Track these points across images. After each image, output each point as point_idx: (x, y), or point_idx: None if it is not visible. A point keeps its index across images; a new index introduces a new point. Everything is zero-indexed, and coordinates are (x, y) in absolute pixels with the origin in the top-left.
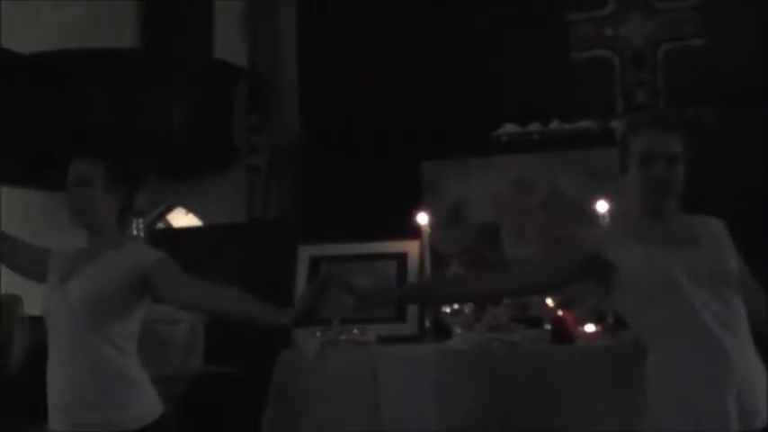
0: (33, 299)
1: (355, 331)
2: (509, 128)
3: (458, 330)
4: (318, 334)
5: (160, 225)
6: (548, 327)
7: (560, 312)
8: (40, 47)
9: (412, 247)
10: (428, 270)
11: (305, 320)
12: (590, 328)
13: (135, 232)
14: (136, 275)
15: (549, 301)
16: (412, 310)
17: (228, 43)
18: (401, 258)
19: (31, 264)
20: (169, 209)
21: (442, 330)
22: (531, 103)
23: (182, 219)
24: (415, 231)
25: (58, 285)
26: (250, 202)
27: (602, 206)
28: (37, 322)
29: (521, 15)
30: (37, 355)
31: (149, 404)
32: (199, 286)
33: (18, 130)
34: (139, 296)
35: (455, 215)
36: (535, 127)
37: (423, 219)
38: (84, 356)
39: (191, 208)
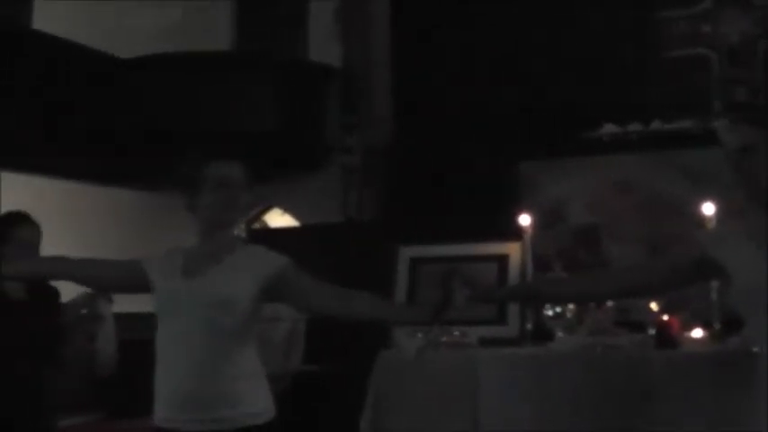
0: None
1: (456, 333)
2: (609, 128)
3: (559, 333)
4: (419, 335)
5: (256, 225)
6: (651, 331)
7: (665, 317)
8: (138, 51)
9: (513, 249)
10: (529, 272)
11: (440, 317)
12: (697, 333)
13: (236, 232)
14: (266, 279)
15: (653, 306)
16: (513, 313)
17: (322, 44)
18: (502, 260)
19: (128, 279)
20: (266, 209)
21: (542, 333)
22: (631, 103)
23: (278, 219)
24: (513, 232)
25: (183, 283)
26: (345, 203)
27: (708, 208)
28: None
29: (619, 15)
30: (127, 353)
31: (266, 403)
32: (329, 290)
33: (116, 131)
34: (265, 298)
35: (553, 216)
36: (635, 127)
37: (525, 220)
38: (210, 353)
39: (287, 208)
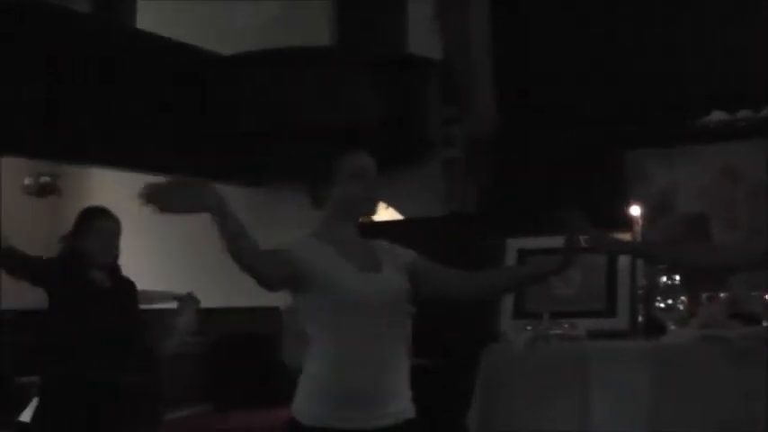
0: None
1: (566, 325)
2: (717, 115)
3: (671, 326)
4: (528, 328)
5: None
6: (766, 323)
7: None
8: (237, 48)
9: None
10: (639, 263)
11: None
12: None
13: None
14: (408, 272)
15: None
16: (623, 305)
17: (421, 35)
18: None
19: (285, 271)
20: None
21: (653, 326)
22: (741, 90)
23: (381, 212)
24: (622, 222)
25: (362, 278)
26: (448, 196)
27: None
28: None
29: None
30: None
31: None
32: (457, 274)
33: (216, 128)
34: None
35: (661, 205)
36: (745, 114)
37: (635, 211)
38: (393, 349)
39: (390, 202)
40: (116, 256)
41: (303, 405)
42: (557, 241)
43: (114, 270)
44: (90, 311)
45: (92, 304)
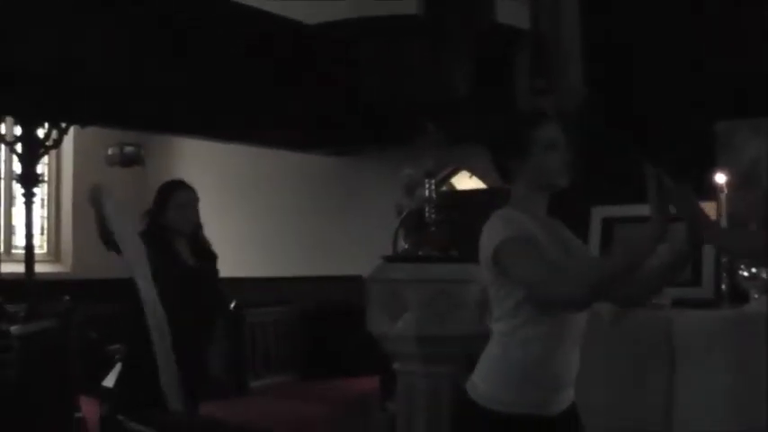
0: None
1: None
2: None
3: (755, 295)
4: None
5: (444, 187)
6: None
7: None
8: (323, 17)
9: (707, 209)
10: None
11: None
12: None
13: (427, 193)
14: None
15: None
16: (707, 274)
17: (511, 5)
18: None
19: None
20: (454, 171)
21: (737, 295)
22: None
23: (465, 182)
24: (708, 192)
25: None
26: None
27: None
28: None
29: None
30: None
31: None
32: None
33: (303, 98)
34: None
35: (750, 177)
36: None
37: (720, 178)
38: (577, 328)
39: (474, 171)
40: (198, 225)
41: (499, 392)
42: (640, 209)
43: (197, 238)
44: (177, 283)
45: (177, 276)
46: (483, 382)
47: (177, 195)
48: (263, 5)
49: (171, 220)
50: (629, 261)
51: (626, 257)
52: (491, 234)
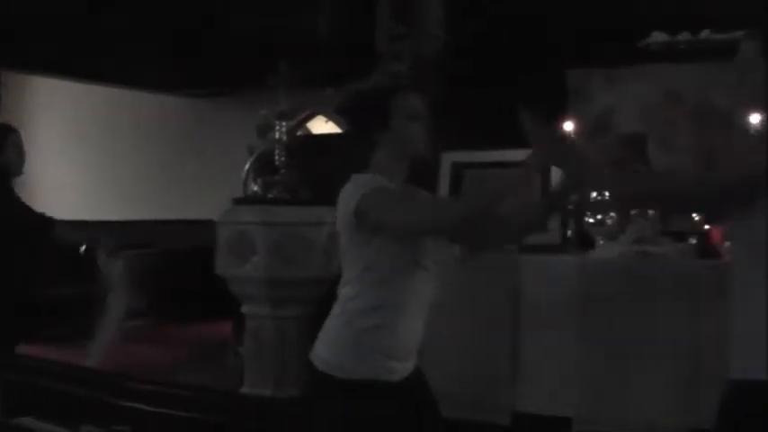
0: None
1: None
2: (658, 36)
3: (600, 241)
4: None
5: (299, 132)
6: (692, 241)
7: (707, 227)
8: None
9: None
10: None
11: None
12: None
13: (277, 135)
14: None
15: (695, 216)
16: (554, 219)
17: None
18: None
19: None
20: (310, 116)
21: (584, 241)
22: (681, 13)
23: (321, 126)
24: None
25: None
26: None
27: (754, 118)
28: None
29: None
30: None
31: None
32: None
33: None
34: None
35: (601, 125)
36: (685, 36)
37: (568, 126)
38: (425, 298)
39: (330, 116)
40: None
41: (339, 358)
42: (490, 156)
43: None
44: (14, 222)
45: (14, 215)
46: (325, 348)
47: (15, 137)
48: None
49: (10, 161)
50: (484, 204)
51: (481, 201)
52: (353, 193)
